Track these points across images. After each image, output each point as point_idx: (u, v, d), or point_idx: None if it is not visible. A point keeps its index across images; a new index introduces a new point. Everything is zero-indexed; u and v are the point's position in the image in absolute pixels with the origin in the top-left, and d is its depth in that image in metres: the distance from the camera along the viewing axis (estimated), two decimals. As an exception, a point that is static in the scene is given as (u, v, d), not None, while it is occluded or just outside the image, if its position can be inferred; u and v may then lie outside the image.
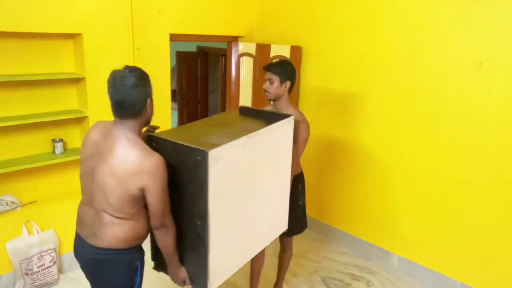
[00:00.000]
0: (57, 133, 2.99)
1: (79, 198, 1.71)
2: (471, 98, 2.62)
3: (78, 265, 3.08)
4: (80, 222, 1.68)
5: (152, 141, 1.66)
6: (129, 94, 1.50)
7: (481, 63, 2.54)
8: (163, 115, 3.44)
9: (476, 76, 2.58)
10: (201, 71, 5.93)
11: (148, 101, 1.58)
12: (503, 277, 2.62)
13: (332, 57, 3.39)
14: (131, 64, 3.08)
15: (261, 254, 2.54)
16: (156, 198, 1.51)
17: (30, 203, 2.86)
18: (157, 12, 3.19)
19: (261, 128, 1.83)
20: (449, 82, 2.71)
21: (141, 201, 1.55)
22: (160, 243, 1.63)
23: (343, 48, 3.30)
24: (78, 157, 2.94)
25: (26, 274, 2.71)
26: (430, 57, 2.77)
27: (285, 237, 2.59)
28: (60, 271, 2.95)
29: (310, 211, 3.86)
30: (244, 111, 2.22)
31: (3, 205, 2.71)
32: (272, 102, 2.44)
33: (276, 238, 2.27)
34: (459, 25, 2.62)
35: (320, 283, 3.00)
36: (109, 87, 1.54)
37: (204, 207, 1.56)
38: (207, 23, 3.60)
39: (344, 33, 3.27)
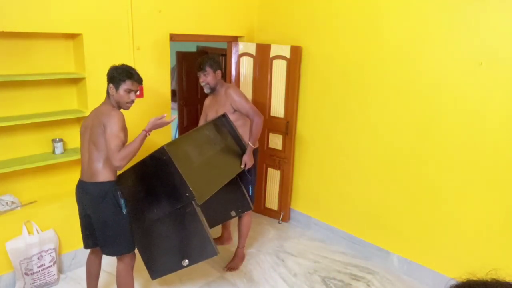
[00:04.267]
0: (57, 133, 2.99)
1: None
2: (471, 98, 2.62)
3: (78, 265, 3.08)
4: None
5: (163, 155, 2.20)
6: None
7: (481, 63, 2.54)
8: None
9: (476, 76, 2.58)
10: (201, 71, 5.91)
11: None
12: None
13: (332, 57, 3.39)
14: (131, 64, 3.09)
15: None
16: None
17: (30, 203, 2.86)
18: (157, 12, 3.19)
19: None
20: (449, 82, 2.71)
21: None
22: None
23: (343, 48, 3.30)
24: (78, 157, 2.94)
25: (26, 274, 2.70)
26: (430, 57, 2.77)
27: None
28: (60, 271, 2.94)
29: (310, 211, 3.89)
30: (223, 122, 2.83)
31: (3, 205, 2.71)
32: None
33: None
34: (459, 25, 2.62)
35: (320, 283, 3.00)
36: None
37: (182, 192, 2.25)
38: (207, 23, 3.60)
39: (344, 33, 3.27)
